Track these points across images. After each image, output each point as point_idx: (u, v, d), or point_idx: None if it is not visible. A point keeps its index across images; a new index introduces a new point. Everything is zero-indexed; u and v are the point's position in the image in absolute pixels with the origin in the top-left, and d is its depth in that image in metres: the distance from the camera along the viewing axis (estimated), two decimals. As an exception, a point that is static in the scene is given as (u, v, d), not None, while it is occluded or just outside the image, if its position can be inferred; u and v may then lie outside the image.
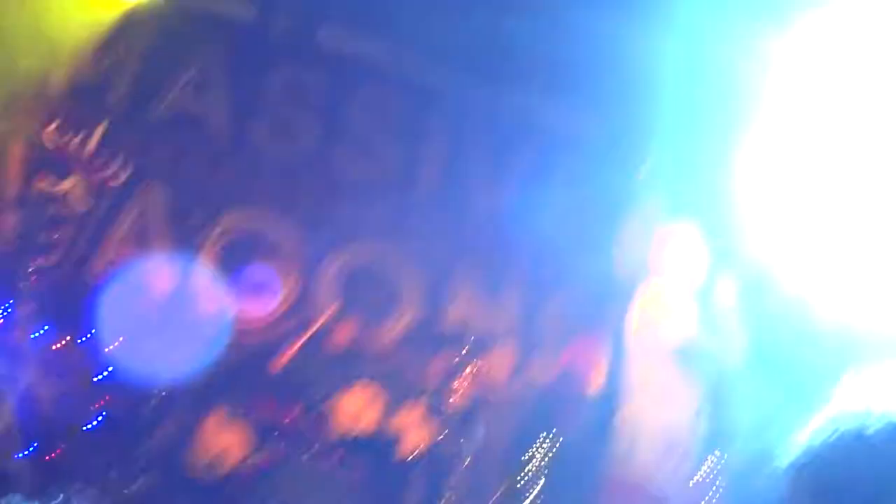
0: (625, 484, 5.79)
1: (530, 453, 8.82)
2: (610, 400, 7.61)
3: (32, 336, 7.77)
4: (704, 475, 5.89)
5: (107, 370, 8.14)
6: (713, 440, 6.24)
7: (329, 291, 9.29)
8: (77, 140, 7.64)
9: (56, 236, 7.73)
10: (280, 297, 9.27)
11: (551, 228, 8.65)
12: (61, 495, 6.37)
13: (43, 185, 8.13)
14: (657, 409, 5.86)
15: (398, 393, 7.79)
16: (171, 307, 7.61)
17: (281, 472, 6.75)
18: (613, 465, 7.48)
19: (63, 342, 8.07)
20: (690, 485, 5.77)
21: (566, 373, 8.34)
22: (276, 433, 7.51)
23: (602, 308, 8.21)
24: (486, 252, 9.76)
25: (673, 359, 6.17)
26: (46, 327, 7.94)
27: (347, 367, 8.41)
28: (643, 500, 5.30)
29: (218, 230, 8.97)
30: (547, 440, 8.47)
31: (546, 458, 8.59)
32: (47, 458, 7.55)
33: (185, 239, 8.97)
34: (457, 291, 9.60)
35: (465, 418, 7.64)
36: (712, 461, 6.03)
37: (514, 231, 9.26)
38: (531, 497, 8.80)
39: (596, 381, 8.01)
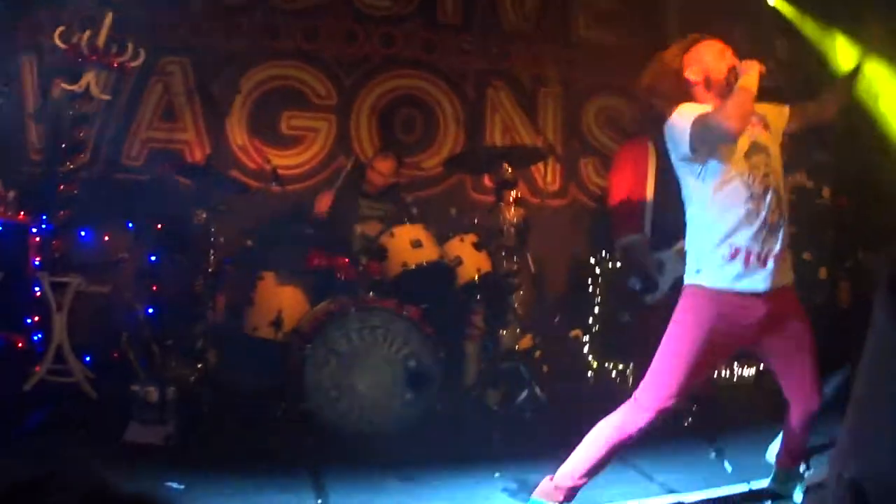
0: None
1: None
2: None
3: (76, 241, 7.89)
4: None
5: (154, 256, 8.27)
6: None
7: (365, 132, 9.33)
8: (86, 36, 7.58)
9: (82, 134, 7.72)
10: (317, 145, 9.33)
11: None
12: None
13: (60, 88, 8.19)
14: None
15: (445, 227, 7.73)
16: (210, 177, 7.52)
17: (342, 321, 6.71)
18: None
19: (105, 240, 8.19)
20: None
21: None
22: (332, 286, 7.52)
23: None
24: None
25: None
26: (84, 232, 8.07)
27: (383, 202, 8.43)
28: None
29: (246, 88, 9.06)
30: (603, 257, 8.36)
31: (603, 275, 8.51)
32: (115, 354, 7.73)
33: (215, 104, 9.09)
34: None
35: (516, 245, 7.54)
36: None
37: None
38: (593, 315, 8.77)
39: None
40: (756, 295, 4.95)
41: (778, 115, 5.21)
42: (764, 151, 5.02)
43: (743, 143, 4.97)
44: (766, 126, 5.12)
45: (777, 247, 4.96)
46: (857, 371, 3.94)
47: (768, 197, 4.94)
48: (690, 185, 5.08)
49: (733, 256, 4.95)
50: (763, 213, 4.93)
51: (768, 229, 4.94)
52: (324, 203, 8.20)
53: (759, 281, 4.95)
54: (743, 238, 4.94)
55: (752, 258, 4.93)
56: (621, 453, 5.20)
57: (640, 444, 5.15)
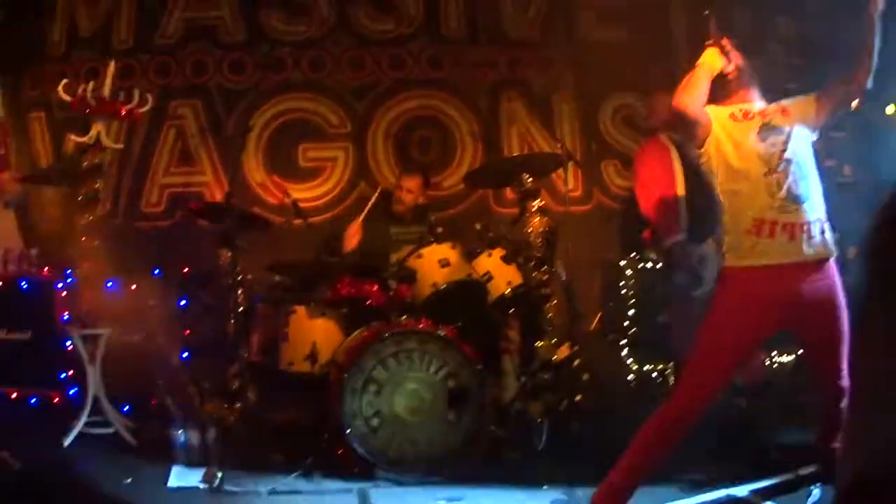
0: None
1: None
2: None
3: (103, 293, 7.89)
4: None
5: (183, 300, 8.28)
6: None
7: (383, 157, 9.34)
8: (90, 87, 7.59)
9: (97, 185, 7.73)
10: (336, 175, 9.34)
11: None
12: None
13: (72, 141, 8.21)
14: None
15: (472, 244, 7.68)
16: (232, 217, 7.50)
17: (378, 348, 6.66)
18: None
19: (132, 288, 8.19)
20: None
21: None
22: (364, 314, 7.48)
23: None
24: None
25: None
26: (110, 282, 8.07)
27: (416, 226, 8.39)
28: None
29: (258, 124, 9.09)
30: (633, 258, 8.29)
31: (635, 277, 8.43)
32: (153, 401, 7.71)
33: (230, 143, 9.12)
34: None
35: (544, 255, 7.48)
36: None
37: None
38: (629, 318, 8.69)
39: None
40: (784, 267, 4.95)
41: (803, 103, 5.26)
42: (779, 132, 5.12)
43: (752, 126, 5.12)
44: (784, 112, 5.20)
45: (805, 217, 4.96)
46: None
47: (790, 168, 4.97)
48: (713, 173, 5.19)
49: (758, 230, 4.98)
50: (785, 185, 4.95)
51: (792, 199, 4.94)
52: (353, 239, 8.19)
53: (787, 252, 4.95)
54: (765, 210, 4.96)
55: (778, 229, 4.94)
56: (670, 452, 5.17)
57: (685, 440, 5.13)
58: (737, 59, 5.31)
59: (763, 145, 5.07)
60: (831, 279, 5.09)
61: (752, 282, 5.05)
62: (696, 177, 5.56)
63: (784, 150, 5.04)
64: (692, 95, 5.14)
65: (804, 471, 5.61)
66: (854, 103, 5.27)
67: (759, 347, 6.24)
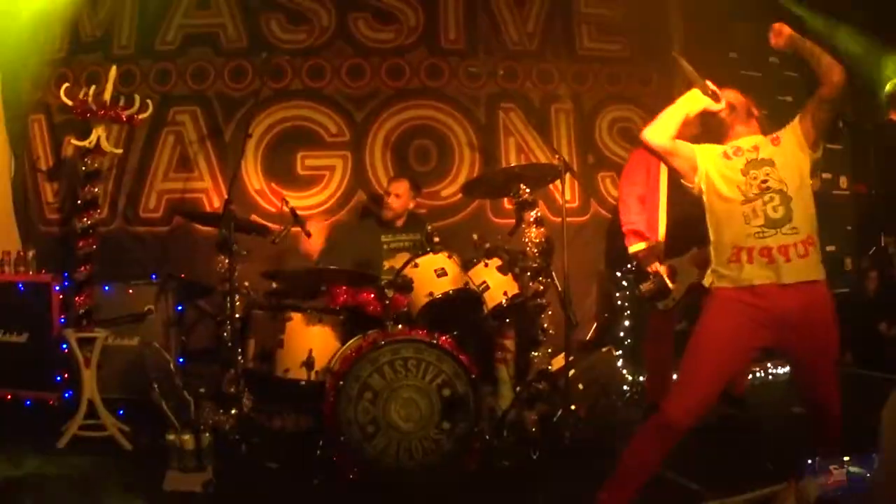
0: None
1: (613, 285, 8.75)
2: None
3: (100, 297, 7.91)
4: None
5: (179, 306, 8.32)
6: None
7: (381, 166, 9.36)
8: (92, 91, 7.62)
9: (96, 189, 7.74)
10: (334, 183, 9.36)
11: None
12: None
13: (71, 144, 8.24)
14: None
15: (468, 254, 7.70)
16: (230, 223, 7.52)
17: (373, 356, 6.67)
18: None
19: (129, 293, 8.22)
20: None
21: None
22: (360, 322, 7.50)
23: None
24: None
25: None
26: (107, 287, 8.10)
27: (408, 233, 8.42)
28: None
29: (257, 131, 9.11)
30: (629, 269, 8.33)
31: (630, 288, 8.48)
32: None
33: (228, 150, 9.15)
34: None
35: (541, 265, 7.51)
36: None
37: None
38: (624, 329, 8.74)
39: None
40: (769, 288, 5.02)
41: (790, 128, 5.32)
42: (766, 164, 5.20)
43: (737, 163, 5.25)
44: (775, 141, 5.31)
45: (784, 241, 5.03)
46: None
47: (767, 196, 5.08)
48: (704, 206, 5.30)
49: (737, 257, 5.10)
50: (762, 211, 5.03)
51: (770, 225, 5.01)
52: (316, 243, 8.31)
53: (768, 276, 5.01)
54: (741, 238, 5.08)
55: (755, 254, 5.04)
56: (662, 463, 5.21)
57: (675, 448, 5.17)
58: (729, 97, 5.41)
59: (745, 178, 5.18)
60: (819, 298, 5.15)
61: (736, 300, 5.13)
62: (683, 193, 5.59)
63: (765, 180, 5.13)
64: (655, 129, 5.30)
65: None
66: (832, 109, 5.26)
67: (748, 363, 6.30)
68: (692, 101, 5.31)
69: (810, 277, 5.11)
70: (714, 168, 5.29)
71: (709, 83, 5.37)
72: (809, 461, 4.63)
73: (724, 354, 5.14)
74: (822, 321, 5.15)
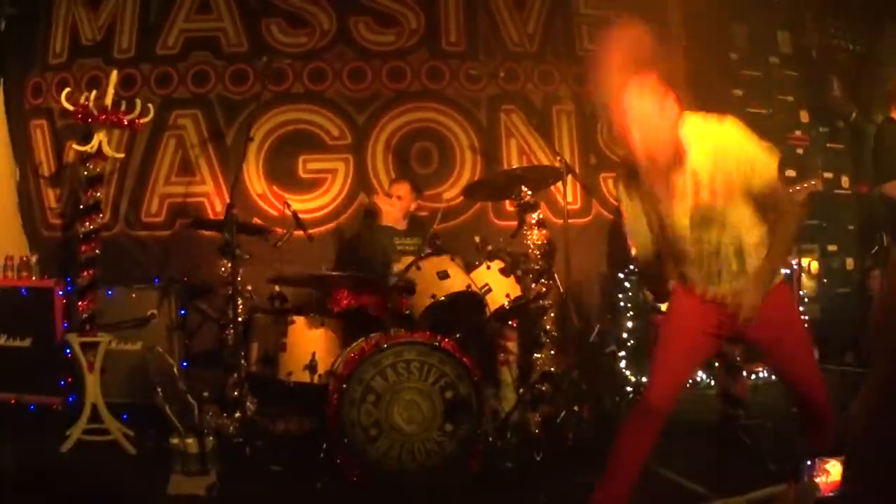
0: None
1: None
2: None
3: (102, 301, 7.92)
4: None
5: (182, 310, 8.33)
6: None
7: (382, 169, 9.37)
8: (93, 96, 7.63)
9: (98, 194, 7.76)
10: (336, 186, 9.37)
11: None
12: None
13: (73, 149, 8.26)
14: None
15: (470, 256, 7.71)
16: (232, 227, 7.52)
17: (376, 358, 6.67)
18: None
19: (132, 297, 8.23)
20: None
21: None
22: (363, 325, 7.50)
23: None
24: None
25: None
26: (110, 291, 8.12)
27: (416, 236, 8.42)
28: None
29: (259, 135, 9.12)
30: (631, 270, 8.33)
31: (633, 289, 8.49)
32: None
33: (229, 152, 9.17)
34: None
35: (543, 267, 7.51)
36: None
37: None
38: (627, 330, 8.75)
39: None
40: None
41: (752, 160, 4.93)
42: (711, 224, 5.00)
43: (682, 216, 5.02)
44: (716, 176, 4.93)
45: (728, 269, 5.01)
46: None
47: (722, 253, 5.02)
48: None
49: (681, 284, 5.09)
50: (717, 273, 5.05)
51: (725, 279, 5.03)
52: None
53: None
54: (686, 269, 5.14)
55: (698, 288, 5.02)
56: (650, 454, 5.22)
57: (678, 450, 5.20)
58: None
59: (693, 238, 5.05)
60: (777, 298, 5.04)
61: (695, 298, 5.14)
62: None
63: (717, 247, 5.01)
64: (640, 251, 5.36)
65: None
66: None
67: (716, 347, 6.25)
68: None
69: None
70: (658, 218, 5.16)
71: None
72: (808, 462, 4.63)
73: (690, 336, 5.17)
74: (786, 320, 5.13)
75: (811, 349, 5.21)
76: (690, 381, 7.86)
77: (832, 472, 4.66)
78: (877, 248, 8.72)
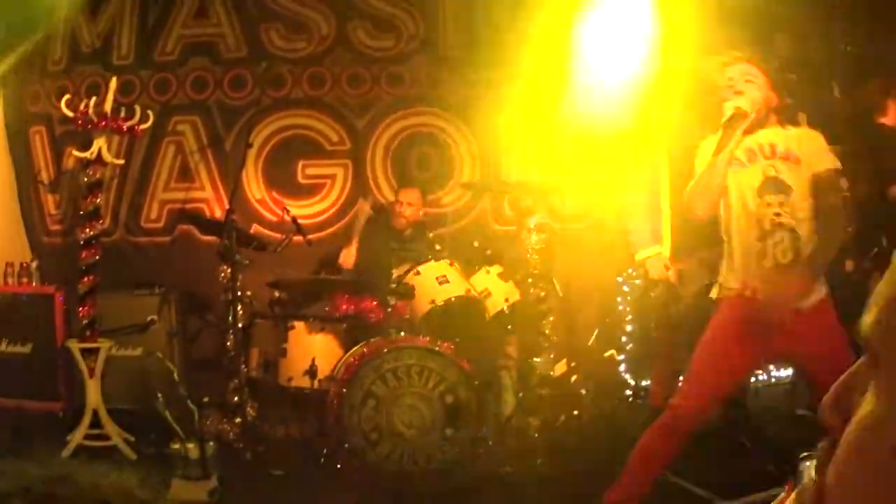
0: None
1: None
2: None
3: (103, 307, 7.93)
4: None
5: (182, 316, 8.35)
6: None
7: (382, 174, 9.38)
8: (93, 102, 7.64)
9: (98, 200, 7.76)
10: (335, 192, 9.39)
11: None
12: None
13: (72, 156, 8.28)
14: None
15: (470, 261, 7.72)
16: (232, 233, 7.54)
17: (376, 363, 6.69)
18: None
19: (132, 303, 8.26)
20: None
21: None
22: (363, 330, 7.52)
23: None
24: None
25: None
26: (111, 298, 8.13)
27: (417, 242, 8.43)
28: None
29: (258, 140, 9.13)
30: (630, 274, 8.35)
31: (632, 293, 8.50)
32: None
33: (229, 159, 9.19)
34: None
35: (542, 272, 7.54)
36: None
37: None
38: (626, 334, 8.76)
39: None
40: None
41: (817, 158, 5.13)
42: (782, 190, 5.05)
43: (753, 179, 5.04)
44: (791, 158, 5.10)
45: (788, 281, 4.96)
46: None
47: (778, 236, 4.99)
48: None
49: (742, 286, 5.03)
50: (771, 255, 4.99)
51: (777, 270, 4.97)
52: (349, 259, 8.27)
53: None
54: (750, 274, 5.03)
55: (759, 293, 4.99)
56: (669, 465, 5.22)
57: (685, 453, 5.18)
58: (751, 94, 5.13)
59: (760, 201, 5.04)
60: (821, 318, 5.05)
61: (742, 308, 5.09)
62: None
63: (778, 213, 5.01)
64: (708, 203, 5.14)
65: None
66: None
67: (755, 366, 6.26)
68: (729, 151, 5.04)
69: (809, 305, 5.01)
70: (734, 184, 5.12)
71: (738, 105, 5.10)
72: (807, 463, 4.60)
73: (731, 359, 5.11)
74: (827, 339, 5.01)
75: (845, 364, 5.05)
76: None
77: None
78: (876, 250, 8.73)
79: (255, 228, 8.93)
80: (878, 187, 8.22)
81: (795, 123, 5.44)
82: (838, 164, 5.12)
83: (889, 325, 1.44)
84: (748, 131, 5.12)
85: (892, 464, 1.37)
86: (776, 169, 5.07)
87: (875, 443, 1.41)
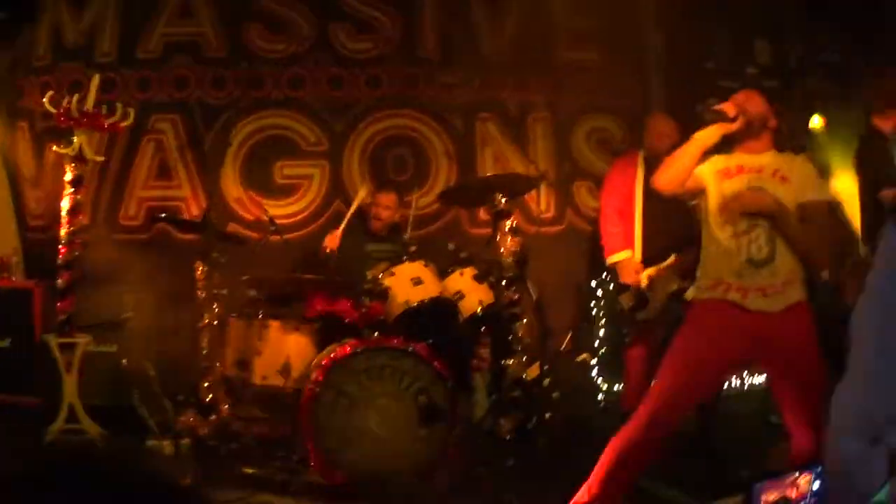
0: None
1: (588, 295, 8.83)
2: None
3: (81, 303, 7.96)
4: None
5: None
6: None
7: (358, 176, 9.43)
8: (75, 100, 7.67)
9: (79, 197, 7.80)
10: (312, 192, 9.43)
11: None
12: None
13: (54, 152, 8.30)
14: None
15: (444, 263, 7.77)
16: (209, 232, 7.59)
17: (349, 363, 6.74)
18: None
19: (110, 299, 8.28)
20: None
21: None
22: (337, 330, 7.56)
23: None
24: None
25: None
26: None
27: (391, 243, 8.47)
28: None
29: (237, 140, 9.17)
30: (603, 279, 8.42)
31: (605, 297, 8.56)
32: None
33: (208, 158, 9.23)
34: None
35: (516, 275, 7.59)
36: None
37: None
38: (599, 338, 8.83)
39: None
40: (746, 310, 5.05)
41: (804, 177, 5.24)
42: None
43: (736, 186, 5.17)
44: (784, 180, 5.20)
45: (762, 282, 5.05)
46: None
47: (754, 234, 5.05)
48: (702, 222, 5.29)
49: (715, 287, 5.09)
50: (745, 251, 5.04)
51: (753, 265, 5.03)
52: (333, 241, 8.30)
53: (748, 301, 5.06)
54: (723, 272, 5.07)
55: (733, 290, 5.05)
56: (641, 471, 5.26)
57: (656, 460, 5.23)
58: (748, 106, 5.26)
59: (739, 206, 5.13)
60: (795, 323, 5.15)
61: (716, 311, 5.15)
62: (661, 202, 5.66)
63: (755, 215, 5.09)
64: (668, 178, 5.26)
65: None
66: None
67: (726, 375, 6.32)
68: (706, 138, 5.18)
69: (782, 306, 5.11)
70: (713, 188, 5.24)
71: (729, 105, 5.25)
72: (760, 484, 4.62)
73: (703, 365, 5.16)
74: (801, 345, 5.13)
75: (821, 381, 5.04)
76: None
77: (801, 485, 4.71)
78: (852, 258, 8.81)
79: (232, 227, 8.96)
80: (862, 195, 8.30)
81: (795, 151, 5.51)
82: (832, 197, 5.21)
83: None
84: (746, 149, 5.27)
85: None
86: (762, 181, 5.18)
87: None
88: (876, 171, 7.82)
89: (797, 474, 4.72)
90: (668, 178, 5.25)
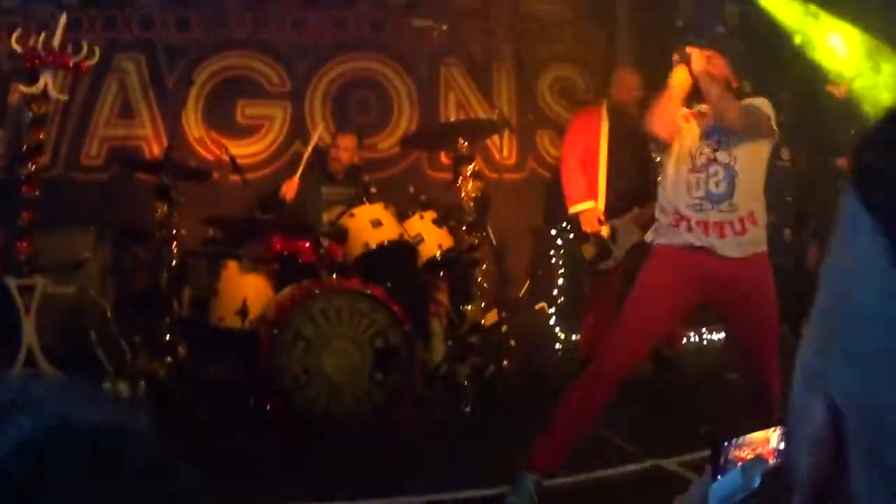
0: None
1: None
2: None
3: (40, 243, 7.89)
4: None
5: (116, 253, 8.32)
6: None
7: (320, 117, 9.38)
8: (42, 38, 7.57)
9: (41, 136, 7.72)
10: (273, 132, 9.39)
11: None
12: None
13: (17, 92, 8.20)
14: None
15: (404, 206, 7.76)
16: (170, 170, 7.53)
17: (307, 305, 6.73)
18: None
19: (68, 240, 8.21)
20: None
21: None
22: (295, 271, 7.53)
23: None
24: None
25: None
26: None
27: (348, 186, 8.43)
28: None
29: (199, 79, 9.10)
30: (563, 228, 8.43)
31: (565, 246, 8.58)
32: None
33: (170, 96, 9.15)
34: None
35: (476, 220, 7.59)
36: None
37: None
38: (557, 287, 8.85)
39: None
40: (707, 253, 5.09)
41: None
42: (720, 133, 5.17)
43: (695, 128, 5.23)
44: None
45: (720, 217, 5.09)
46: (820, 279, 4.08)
47: (712, 169, 5.08)
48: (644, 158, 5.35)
49: (677, 223, 5.13)
50: (703, 185, 5.08)
51: (709, 199, 5.07)
52: (290, 189, 8.24)
53: (708, 242, 5.11)
54: (682, 206, 5.11)
55: (692, 224, 5.09)
56: (594, 418, 5.29)
57: (612, 408, 5.26)
58: (712, 64, 5.29)
59: (698, 144, 5.17)
60: (756, 272, 5.21)
61: (674, 257, 5.19)
62: (625, 154, 5.68)
63: (715, 150, 5.13)
64: (663, 120, 5.26)
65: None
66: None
67: (681, 321, 6.36)
68: (682, 81, 5.20)
69: (745, 253, 5.16)
70: (676, 138, 5.29)
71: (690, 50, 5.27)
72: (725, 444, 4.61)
73: (659, 309, 5.19)
74: (759, 295, 5.19)
75: (775, 332, 5.18)
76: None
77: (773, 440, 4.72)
78: (815, 221, 8.86)
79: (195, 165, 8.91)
80: (821, 158, 8.34)
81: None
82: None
83: None
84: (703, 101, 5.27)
85: None
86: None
87: None
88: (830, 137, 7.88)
89: (771, 431, 4.72)
90: (662, 121, 5.27)
